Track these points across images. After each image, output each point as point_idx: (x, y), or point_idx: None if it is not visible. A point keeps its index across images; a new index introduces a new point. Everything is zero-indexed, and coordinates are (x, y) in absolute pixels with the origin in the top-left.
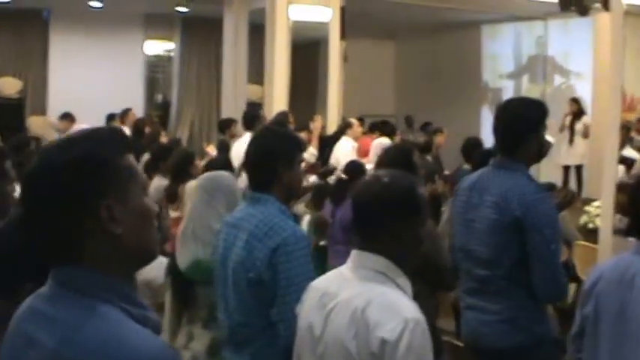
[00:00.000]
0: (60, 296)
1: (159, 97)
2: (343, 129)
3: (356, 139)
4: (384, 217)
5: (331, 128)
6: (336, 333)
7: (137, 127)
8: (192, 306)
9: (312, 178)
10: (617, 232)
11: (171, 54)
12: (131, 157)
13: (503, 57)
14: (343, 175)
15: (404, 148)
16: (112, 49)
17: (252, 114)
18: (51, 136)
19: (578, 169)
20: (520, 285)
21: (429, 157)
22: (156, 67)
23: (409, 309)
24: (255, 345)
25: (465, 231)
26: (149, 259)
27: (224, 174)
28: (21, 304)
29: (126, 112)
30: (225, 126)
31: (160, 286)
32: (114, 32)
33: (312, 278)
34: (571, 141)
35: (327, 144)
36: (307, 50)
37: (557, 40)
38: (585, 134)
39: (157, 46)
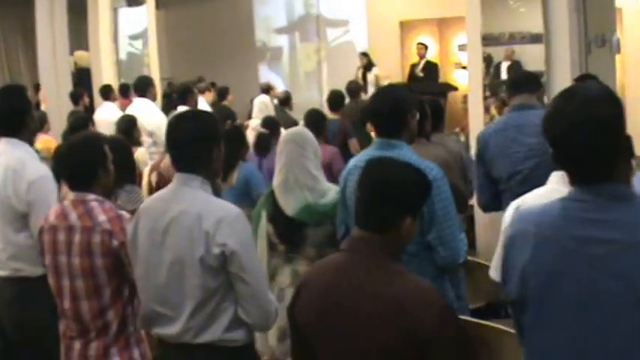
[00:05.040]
0: (610, 206)
1: None
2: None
3: None
4: None
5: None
6: None
7: None
8: (302, 246)
9: None
10: None
11: None
12: None
13: (275, 18)
14: (263, 129)
15: None
16: None
17: (145, 81)
18: None
19: None
20: None
21: None
22: None
23: None
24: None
25: (508, 162)
26: None
27: (304, 128)
28: None
29: None
30: (79, 97)
31: None
32: None
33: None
34: (365, 91)
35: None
36: None
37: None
38: (376, 84)
39: None
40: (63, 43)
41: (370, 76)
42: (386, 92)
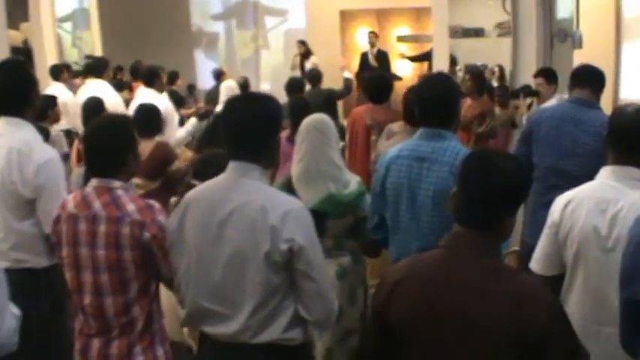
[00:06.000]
0: None
1: None
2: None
3: None
4: None
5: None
6: (629, 227)
7: None
8: (321, 238)
9: None
10: None
11: None
12: None
13: (212, 3)
14: None
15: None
16: None
17: (101, 63)
18: None
19: None
20: None
21: None
22: None
23: None
24: None
25: (554, 152)
26: None
27: (325, 115)
28: None
29: None
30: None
31: None
32: None
33: None
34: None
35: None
36: None
37: None
38: None
39: None
40: (1, 23)
41: (308, 64)
42: (437, 81)
